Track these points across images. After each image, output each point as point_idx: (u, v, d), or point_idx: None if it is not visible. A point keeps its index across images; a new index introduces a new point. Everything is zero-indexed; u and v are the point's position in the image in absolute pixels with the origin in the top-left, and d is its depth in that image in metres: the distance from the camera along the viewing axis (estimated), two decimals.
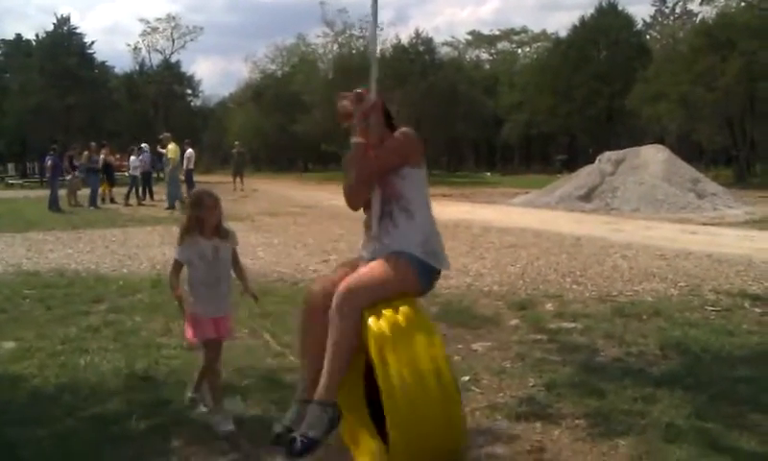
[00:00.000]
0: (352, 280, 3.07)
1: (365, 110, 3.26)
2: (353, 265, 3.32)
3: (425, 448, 2.89)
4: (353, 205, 3.38)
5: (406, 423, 2.84)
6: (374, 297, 3.05)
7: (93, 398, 4.17)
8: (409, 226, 3.22)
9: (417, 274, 3.19)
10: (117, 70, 62.15)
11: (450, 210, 18.21)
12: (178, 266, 3.78)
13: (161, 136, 21.44)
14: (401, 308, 3.06)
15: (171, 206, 18.96)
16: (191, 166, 23.77)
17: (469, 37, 68.95)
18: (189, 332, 3.83)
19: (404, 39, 49.08)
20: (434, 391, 2.90)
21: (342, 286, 3.05)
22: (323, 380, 3.03)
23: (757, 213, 17.12)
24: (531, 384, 4.39)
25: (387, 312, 3.03)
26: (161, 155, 21.32)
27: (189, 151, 23.41)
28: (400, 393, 2.84)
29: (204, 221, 3.72)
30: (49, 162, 20.65)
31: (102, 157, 22.07)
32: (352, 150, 3.26)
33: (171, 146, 20.49)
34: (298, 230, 13.52)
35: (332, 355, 3.02)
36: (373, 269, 3.13)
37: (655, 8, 52.03)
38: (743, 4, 37.91)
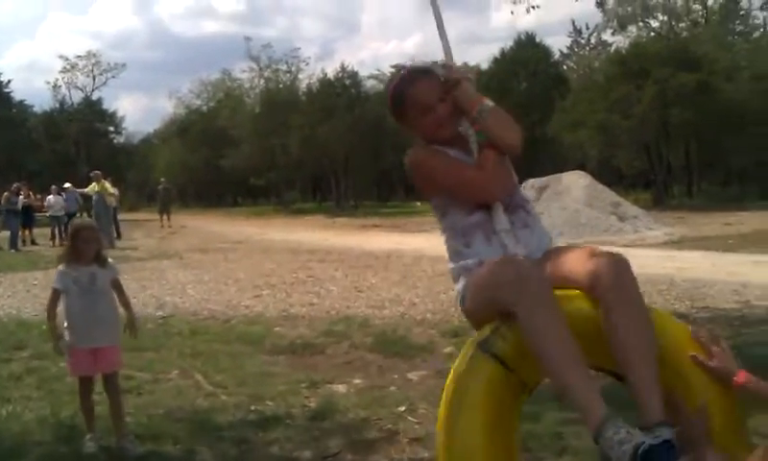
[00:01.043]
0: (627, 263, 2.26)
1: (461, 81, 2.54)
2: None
3: None
4: (503, 193, 2.52)
5: None
6: None
7: (17, 449, 3.97)
8: (538, 218, 2.61)
9: None
10: (36, 109, 60.45)
11: (382, 240, 18.31)
12: (55, 295, 3.93)
13: (92, 174, 20.84)
14: None
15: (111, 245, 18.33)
16: (115, 204, 23.19)
17: (394, 70, 69.95)
18: (69, 366, 4.04)
19: (330, 73, 49.40)
20: None
21: (613, 256, 2.25)
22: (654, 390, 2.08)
23: (676, 234, 17.80)
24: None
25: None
26: (86, 195, 20.75)
27: (114, 189, 22.87)
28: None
29: (81, 251, 3.89)
30: None
31: (21, 198, 21.32)
32: (503, 116, 2.53)
33: (106, 183, 19.96)
34: (228, 266, 13.33)
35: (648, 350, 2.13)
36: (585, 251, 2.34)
37: (571, 39, 53.97)
38: (652, 34, 39.77)
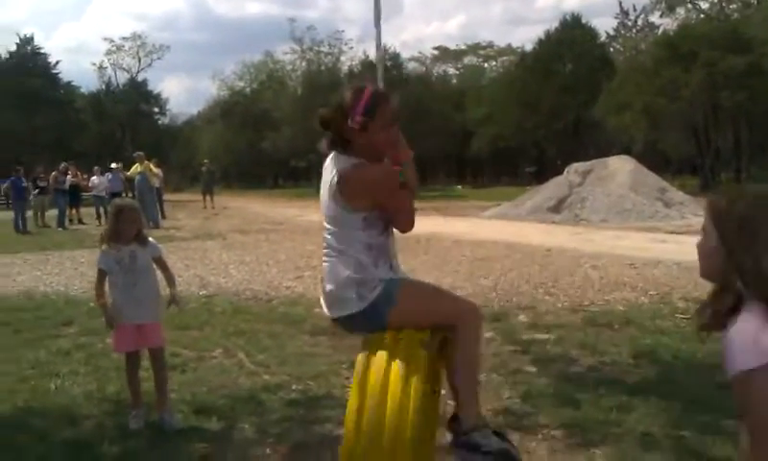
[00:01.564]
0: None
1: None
2: None
3: None
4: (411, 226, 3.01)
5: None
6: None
7: (64, 422, 4.09)
8: None
9: None
10: (83, 90, 61.52)
11: (422, 224, 18.19)
12: (101, 275, 4.02)
13: (135, 155, 21.18)
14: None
15: (146, 225, 18.66)
16: (159, 185, 23.60)
17: (436, 52, 69.47)
18: (113, 342, 4.17)
19: (372, 55, 49.29)
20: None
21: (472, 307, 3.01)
22: (464, 397, 2.89)
23: None
24: (506, 396, 4.40)
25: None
26: (129, 178, 21.09)
27: (158, 170, 23.29)
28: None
29: (122, 231, 3.98)
30: (5, 184, 20.35)
31: (69, 177, 21.81)
32: (410, 177, 2.92)
33: (149, 164, 20.27)
34: (270, 247, 13.45)
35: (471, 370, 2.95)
36: None
37: (617, 20, 52.93)
38: (702, 16, 38.79)
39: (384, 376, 2.73)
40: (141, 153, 20.86)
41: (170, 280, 4.23)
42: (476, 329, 2.90)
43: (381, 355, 2.78)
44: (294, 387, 4.67)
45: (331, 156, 2.93)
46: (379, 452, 2.67)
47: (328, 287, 2.91)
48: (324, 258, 2.97)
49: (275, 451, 3.69)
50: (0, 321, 6.90)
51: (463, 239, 13.96)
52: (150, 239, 4.15)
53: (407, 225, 2.94)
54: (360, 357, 2.86)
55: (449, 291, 3.08)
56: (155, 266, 4.16)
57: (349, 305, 2.83)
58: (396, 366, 2.73)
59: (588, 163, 22.17)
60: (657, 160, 38.00)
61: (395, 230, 2.96)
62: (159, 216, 20.87)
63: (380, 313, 2.80)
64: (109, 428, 3.97)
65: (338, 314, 2.91)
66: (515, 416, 4.05)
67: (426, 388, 2.75)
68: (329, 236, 2.92)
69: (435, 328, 2.85)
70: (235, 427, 3.99)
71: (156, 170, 20.96)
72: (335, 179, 2.80)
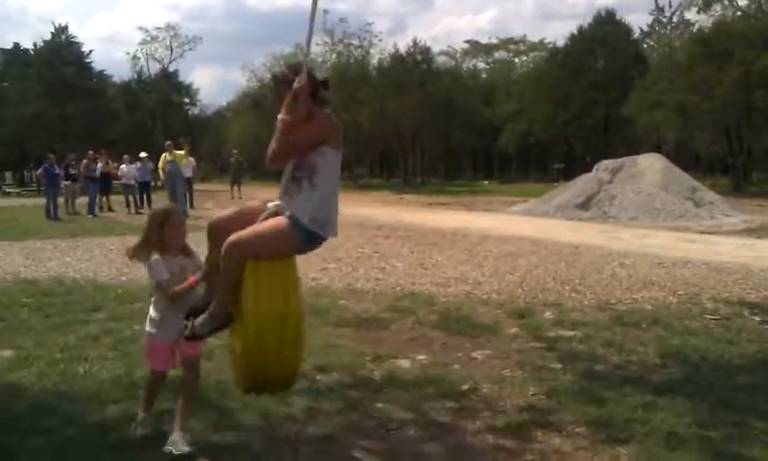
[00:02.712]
0: (241, 235, 3.35)
1: (296, 90, 3.45)
2: (255, 210, 3.59)
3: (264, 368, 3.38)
4: (272, 167, 3.62)
5: (252, 352, 3.32)
6: (255, 252, 3.35)
7: (92, 406, 4.15)
8: (309, 196, 3.46)
9: (298, 239, 3.48)
10: (115, 79, 62.11)
11: (448, 219, 18.24)
12: (165, 288, 3.63)
13: (166, 144, 21.37)
14: (277, 265, 3.44)
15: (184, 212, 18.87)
16: (190, 174, 23.84)
17: (467, 46, 69.13)
18: (150, 359, 3.86)
19: (402, 48, 49.20)
20: (279, 333, 3.33)
21: (231, 237, 3.34)
22: (216, 297, 3.45)
23: (755, 221, 17.14)
24: (531, 393, 4.39)
25: (264, 265, 3.36)
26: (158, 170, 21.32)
27: (191, 160, 23.57)
28: (253, 329, 3.29)
29: (170, 240, 3.69)
30: (39, 171, 20.61)
31: (99, 165, 22.08)
32: (279, 125, 3.47)
33: (179, 153, 20.47)
34: None
35: (222, 285, 3.42)
36: (262, 228, 3.42)
37: (652, 16, 52.21)
38: (739, 13, 38.08)
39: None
40: (170, 142, 21.02)
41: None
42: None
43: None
44: (318, 377, 4.69)
45: None
46: None
47: None
48: None
49: (299, 440, 3.71)
50: (30, 305, 7.01)
51: (489, 234, 13.90)
52: (194, 249, 3.84)
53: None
54: None
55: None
56: None
57: None
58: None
59: (618, 161, 21.95)
60: (687, 159, 37.57)
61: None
62: (188, 205, 21.04)
63: None
64: (137, 412, 4.01)
65: None
66: (539, 413, 4.04)
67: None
68: None
69: None
70: (262, 415, 4.02)
71: (185, 160, 21.12)
72: None
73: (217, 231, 3.54)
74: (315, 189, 3.49)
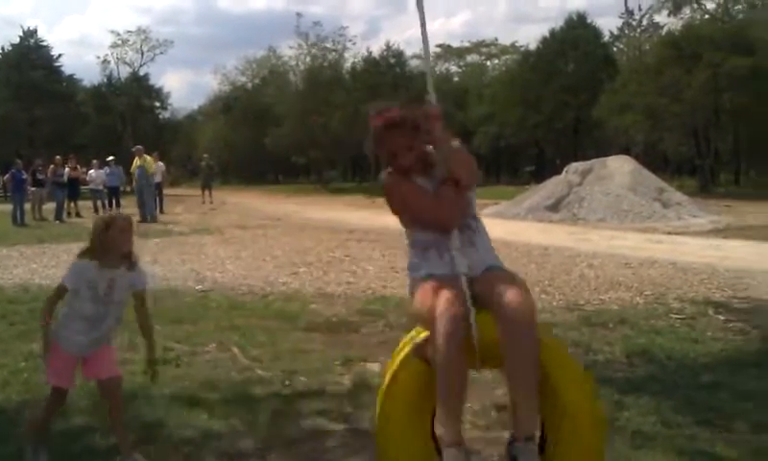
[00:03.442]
0: (530, 296, 2.75)
1: (435, 113, 2.94)
2: (446, 283, 2.77)
3: None
4: (456, 221, 2.88)
5: None
6: None
7: (57, 415, 4.08)
8: (484, 235, 3.03)
9: None
10: (85, 83, 61.46)
11: None
12: (61, 291, 3.29)
13: (134, 150, 21.21)
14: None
15: (144, 219, 18.70)
16: (160, 179, 23.66)
17: (439, 50, 69.38)
18: (48, 372, 3.41)
19: (375, 52, 49.31)
20: None
21: (529, 300, 2.70)
22: (529, 412, 2.62)
23: (722, 222, 17.41)
24: (500, 393, 4.40)
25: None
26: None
27: (160, 164, 23.43)
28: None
29: (110, 247, 3.27)
30: (6, 176, 20.34)
31: (67, 170, 21.80)
32: (462, 155, 2.94)
33: (148, 158, 20.32)
34: (267, 243, 13.45)
35: (533, 384, 2.61)
36: (527, 295, 2.75)
37: (622, 20, 52.84)
38: (707, 16, 38.72)
39: (387, 375, 2.94)
40: (140, 147, 20.88)
41: (148, 333, 3.50)
42: (434, 344, 2.62)
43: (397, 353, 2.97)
44: (287, 382, 4.67)
45: None
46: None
47: None
48: None
49: (266, 446, 3.69)
50: None
51: None
52: (139, 265, 3.42)
53: (440, 222, 2.87)
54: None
55: (451, 296, 2.67)
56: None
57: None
58: (391, 368, 2.90)
59: (588, 163, 22.17)
60: (656, 161, 38.06)
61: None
62: (157, 211, 20.91)
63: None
64: (103, 421, 3.96)
65: None
66: (507, 412, 4.05)
67: (404, 392, 2.80)
68: None
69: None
70: (227, 421, 4.00)
71: (153, 167, 21.00)
72: None
73: (458, 326, 2.64)
74: (479, 227, 3.03)
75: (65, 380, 3.38)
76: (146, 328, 3.50)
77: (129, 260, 3.34)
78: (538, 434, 2.70)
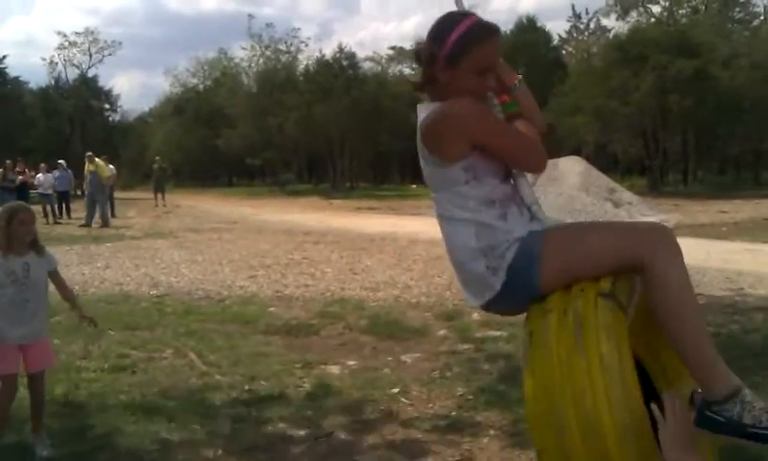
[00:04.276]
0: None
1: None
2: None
3: None
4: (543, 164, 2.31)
5: None
6: None
7: (11, 425, 3.97)
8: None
9: None
10: (32, 85, 59.96)
11: (377, 223, 18.29)
12: None
13: (87, 155, 20.81)
14: None
15: (88, 224, 18.35)
16: (110, 182, 23.23)
17: (391, 52, 69.60)
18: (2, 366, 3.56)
19: (328, 54, 49.15)
20: None
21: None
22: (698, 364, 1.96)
23: (671, 220, 17.81)
24: (459, 393, 4.44)
25: None
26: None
27: (111, 167, 23.02)
28: None
29: (16, 237, 3.55)
30: None
31: (19, 176, 21.24)
32: (525, 105, 2.36)
33: (100, 163, 19.95)
34: (223, 247, 13.30)
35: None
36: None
37: (570, 23, 53.75)
38: (653, 20, 39.62)
39: (557, 360, 1.98)
40: (90, 153, 20.55)
41: (70, 298, 3.89)
42: (673, 258, 1.95)
43: (548, 334, 2.02)
44: (246, 387, 4.63)
45: (419, 106, 2.33)
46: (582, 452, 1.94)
47: (456, 271, 2.25)
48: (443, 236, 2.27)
49: (226, 453, 3.65)
50: None
51: (418, 238, 14.00)
52: (47, 250, 3.77)
53: (531, 163, 2.28)
54: (523, 341, 2.13)
55: (621, 221, 2.18)
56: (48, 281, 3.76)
57: (486, 284, 2.15)
58: (569, 341, 1.96)
59: None
60: (606, 161, 38.74)
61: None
62: (109, 215, 20.51)
63: (525, 278, 2.09)
64: (57, 430, 3.87)
65: (480, 301, 2.20)
66: (468, 412, 4.09)
67: (620, 356, 1.91)
68: (437, 207, 2.28)
69: (618, 274, 2.04)
70: (186, 429, 3.94)
71: (107, 171, 20.64)
72: (419, 134, 2.24)
73: None
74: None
75: (11, 367, 3.56)
76: (69, 297, 3.89)
77: (35, 247, 3.66)
78: None
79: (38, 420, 3.69)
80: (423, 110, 2.26)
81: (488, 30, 2.18)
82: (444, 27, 2.18)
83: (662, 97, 32.78)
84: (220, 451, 3.65)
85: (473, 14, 2.22)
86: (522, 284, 2.10)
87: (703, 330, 1.97)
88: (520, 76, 2.38)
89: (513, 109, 2.31)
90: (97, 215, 18.96)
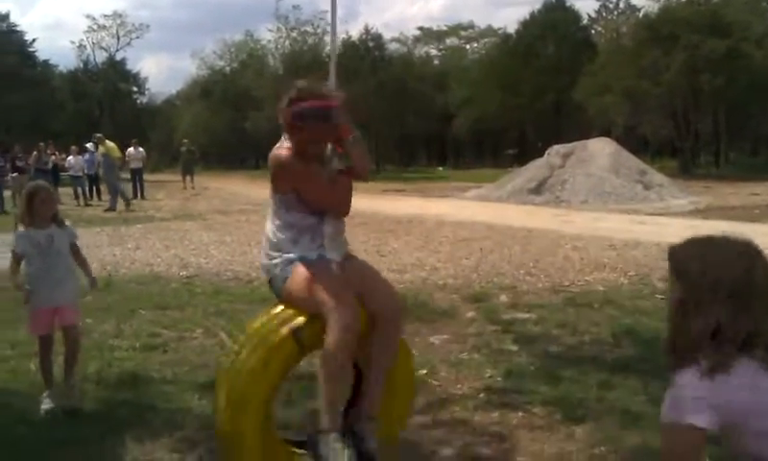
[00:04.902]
0: (399, 300, 3.15)
1: (342, 102, 2.99)
2: (344, 272, 3.00)
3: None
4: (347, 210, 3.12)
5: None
6: None
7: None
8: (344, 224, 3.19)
9: None
10: (61, 68, 60.67)
11: (404, 205, 18.29)
12: (15, 258, 3.93)
13: (95, 137, 20.94)
14: None
15: (113, 208, 18.37)
16: (140, 165, 23.49)
17: (418, 33, 69.19)
18: (29, 325, 4.08)
19: (354, 36, 49.03)
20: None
21: (396, 300, 3.08)
22: (378, 396, 2.98)
23: (702, 203, 17.59)
24: (488, 375, 4.43)
25: None
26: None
27: (140, 150, 23.31)
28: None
29: (38, 213, 3.92)
30: None
31: (52, 157, 21.55)
32: (345, 180, 3.03)
33: (111, 144, 19.98)
34: (250, 228, 13.36)
35: (386, 372, 3.02)
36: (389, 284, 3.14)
37: (599, 3, 53.00)
38: None
39: (252, 341, 2.93)
40: (100, 134, 20.69)
41: (85, 267, 4.21)
42: (335, 334, 2.69)
43: (262, 322, 3.01)
44: None
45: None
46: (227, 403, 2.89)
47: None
48: None
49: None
50: None
51: (445, 220, 13.98)
52: (67, 223, 4.13)
53: (333, 210, 3.02)
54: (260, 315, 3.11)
55: (343, 285, 2.85)
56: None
57: (264, 271, 3.11)
58: (261, 337, 2.92)
59: (569, 146, 22.23)
60: (636, 143, 38.21)
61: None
62: (138, 197, 20.76)
63: (277, 287, 2.99)
64: (90, 408, 3.95)
65: (264, 274, 3.15)
66: (496, 394, 4.08)
67: (272, 367, 2.83)
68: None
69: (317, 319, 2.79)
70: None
71: (137, 150, 20.80)
72: None
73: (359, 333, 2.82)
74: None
75: (43, 329, 4.00)
76: (83, 264, 4.19)
77: (56, 221, 4.01)
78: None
79: (71, 368, 4.03)
80: (281, 140, 3.04)
81: (326, 118, 2.87)
82: (309, 90, 2.93)
83: (693, 77, 32.24)
84: None
85: (333, 99, 2.93)
86: (276, 290, 3.02)
87: (323, 383, 2.77)
88: (356, 133, 2.96)
89: (345, 163, 3.00)
90: (120, 200, 18.87)
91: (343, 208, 3.04)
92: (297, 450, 2.99)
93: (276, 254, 2.98)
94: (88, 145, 22.94)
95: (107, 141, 19.93)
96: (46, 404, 3.90)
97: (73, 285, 4.12)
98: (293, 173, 2.92)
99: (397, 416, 3.16)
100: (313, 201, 2.95)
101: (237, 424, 2.82)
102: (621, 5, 50.77)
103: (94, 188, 22.51)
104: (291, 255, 2.93)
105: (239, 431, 2.82)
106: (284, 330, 2.84)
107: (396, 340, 2.99)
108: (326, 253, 2.97)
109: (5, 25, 54.31)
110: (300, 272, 2.88)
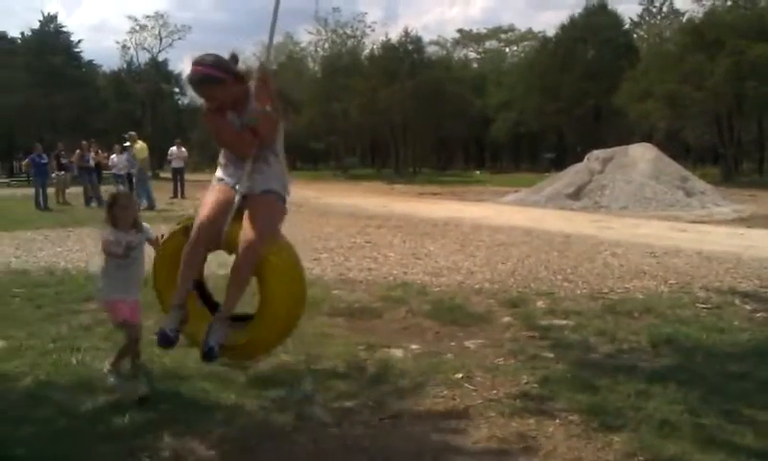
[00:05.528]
0: (257, 231, 3.53)
1: (265, 76, 3.70)
2: (224, 193, 3.69)
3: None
4: (246, 156, 3.68)
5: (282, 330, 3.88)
6: (269, 241, 3.64)
7: (85, 395, 4.14)
8: (278, 167, 3.76)
9: (283, 207, 3.83)
10: (104, 69, 61.75)
11: (441, 209, 18.25)
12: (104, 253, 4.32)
13: (127, 135, 21.20)
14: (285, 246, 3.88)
15: (152, 206, 18.55)
16: (182, 165, 23.81)
17: (457, 36, 69.04)
18: (112, 316, 4.37)
19: (393, 38, 49.11)
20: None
21: (249, 237, 3.52)
22: (230, 302, 3.66)
23: (746, 211, 17.23)
24: (524, 381, 4.40)
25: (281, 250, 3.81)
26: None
27: (183, 150, 23.64)
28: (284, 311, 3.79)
29: (119, 218, 4.24)
30: (25, 161, 20.50)
31: (92, 154, 21.91)
32: (270, 117, 3.65)
33: (138, 145, 20.19)
34: (288, 229, 13.36)
35: (241, 283, 3.64)
36: (265, 216, 3.63)
37: (642, 7, 52.30)
38: (729, 3, 38.16)
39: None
40: (133, 133, 20.93)
41: (155, 243, 4.41)
42: (192, 229, 3.65)
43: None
44: (311, 367, 4.69)
45: None
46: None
47: None
48: None
49: (294, 429, 3.72)
50: (22, 296, 6.97)
51: (481, 224, 13.92)
52: (144, 224, 4.42)
53: (235, 154, 3.74)
54: None
55: (216, 202, 3.65)
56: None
57: None
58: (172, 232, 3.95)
59: (609, 151, 22.00)
60: (678, 149, 37.67)
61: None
62: (179, 195, 21.00)
63: None
64: (130, 401, 4.01)
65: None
66: (532, 401, 4.05)
67: (169, 256, 3.84)
68: None
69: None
70: (259, 398, 4.06)
71: (179, 150, 20.98)
72: None
73: (209, 233, 3.63)
74: (279, 159, 3.78)
75: (121, 316, 4.26)
76: (154, 244, 4.36)
77: (136, 225, 4.32)
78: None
79: (136, 356, 4.36)
80: None
81: (194, 82, 3.68)
82: (200, 58, 3.67)
83: (738, 83, 31.61)
84: (288, 429, 3.72)
85: (201, 63, 3.63)
86: None
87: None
88: (269, 108, 3.64)
89: (253, 123, 3.61)
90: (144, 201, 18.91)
91: (237, 152, 3.71)
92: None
93: (216, 174, 3.82)
94: (126, 144, 23.30)
95: (138, 141, 20.19)
96: (141, 391, 4.09)
97: (140, 285, 4.38)
98: (205, 122, 3.77)
99: (265, 332, 3.76)
100: (217, 143, 3.80)
101: (156, 284, 3.95)
102: (665, 9, 50.03)
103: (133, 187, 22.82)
104: (217, 175, 3.80)
105: (157, 288, 3.94)
106: (179, 227, 3.86)
107: (242, 265, 3.57)
108: (238, 182, 3.66)
109: (52, 26, 55.43)
110: (210, 188, 3.76)
